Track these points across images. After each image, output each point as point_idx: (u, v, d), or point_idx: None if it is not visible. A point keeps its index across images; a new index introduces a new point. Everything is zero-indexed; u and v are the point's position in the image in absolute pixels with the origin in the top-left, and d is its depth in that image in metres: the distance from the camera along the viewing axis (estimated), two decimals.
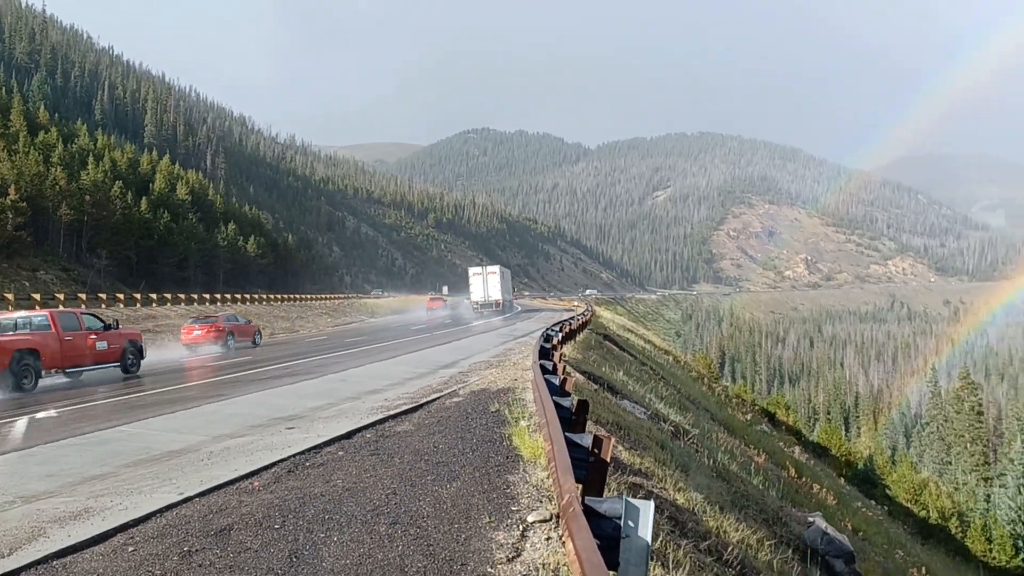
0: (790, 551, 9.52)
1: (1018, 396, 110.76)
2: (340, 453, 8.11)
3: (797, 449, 30.60)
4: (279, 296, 72.23)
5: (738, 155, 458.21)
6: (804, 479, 20.20)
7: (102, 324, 20.25)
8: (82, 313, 20.76)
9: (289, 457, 7.95)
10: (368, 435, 9.10)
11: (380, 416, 10.41)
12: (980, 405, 72.22)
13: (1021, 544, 37.94)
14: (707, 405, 26.78)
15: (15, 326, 18.71)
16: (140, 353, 21.59)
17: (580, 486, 5.05)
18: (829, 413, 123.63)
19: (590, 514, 3.86)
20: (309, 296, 79.83)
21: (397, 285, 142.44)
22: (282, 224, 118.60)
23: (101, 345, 19.65)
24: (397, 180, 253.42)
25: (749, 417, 33.18)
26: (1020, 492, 38.91)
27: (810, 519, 11.50)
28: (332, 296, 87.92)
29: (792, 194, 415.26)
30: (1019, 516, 38.24)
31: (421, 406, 11.28)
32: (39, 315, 19.58)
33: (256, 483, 6.96)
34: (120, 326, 21.75)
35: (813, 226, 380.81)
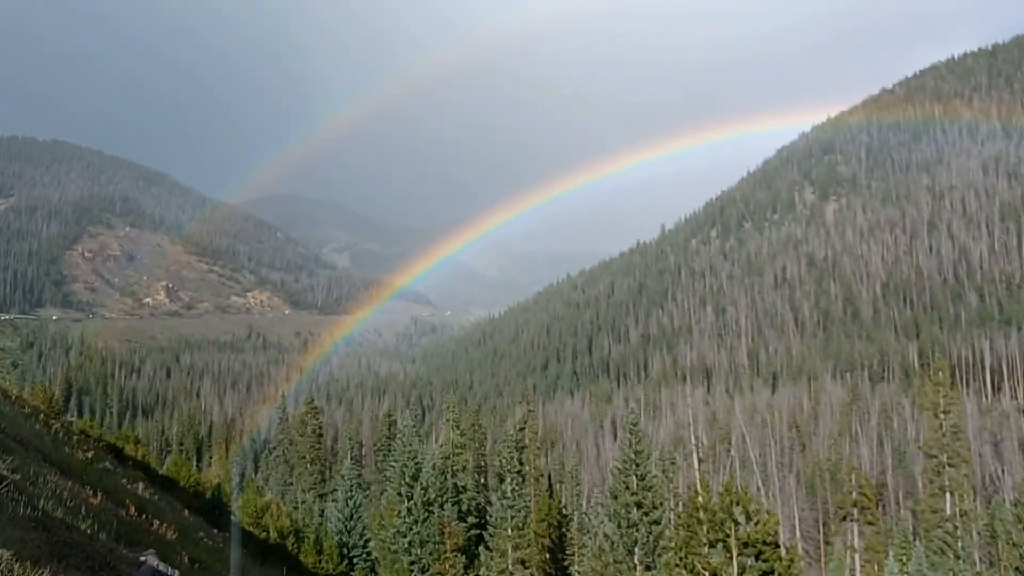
0: None
1: (352, 418, 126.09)
2: None
3: (142, 485, 29.25)
4: None
5: (98, 171, 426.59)
6: (145, 516, 19.28)
7: None
8: None
9: None
10: None
11: None
12: (321, 428, 79.80)
13: (346, 551, 42.78)
14: (40, 445, 23.72)
15: None
16: None
17: None
18: (182, 444, 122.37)
19: None
20: None
21: None
22: None
23: None
24: None
25: (91, 455, 30.49)
26: (347, 504, 43.96)
27: (142, 559, 10.94)
28: None
29: (156, 219, 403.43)
30: (345, 526, 43.16)
31: None
32: None
33: None
34: None
35: (176, 254, 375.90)
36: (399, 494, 41.98)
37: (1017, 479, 72.41)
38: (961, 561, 43.25)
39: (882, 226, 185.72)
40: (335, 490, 57.08)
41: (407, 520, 38.44)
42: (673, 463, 65.60)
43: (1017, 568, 43.33)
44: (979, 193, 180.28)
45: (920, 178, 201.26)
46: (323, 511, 55.91)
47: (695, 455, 47.35)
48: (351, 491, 45.33)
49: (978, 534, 50.32)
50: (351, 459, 57.31)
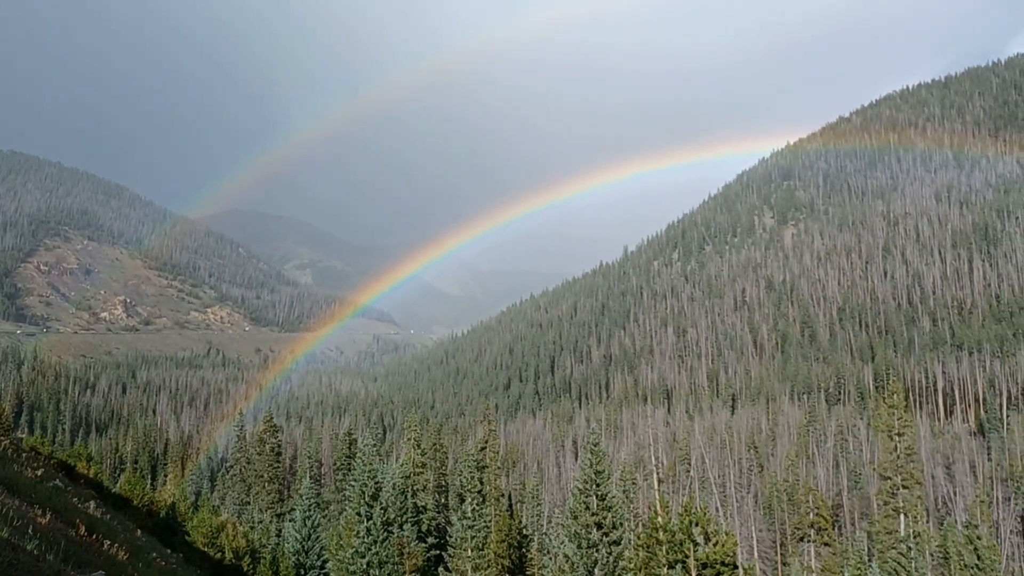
0: None
1: (312, 436, 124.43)
2: None
3: (93, 504, 28.57)
4: None
5: (56, 183, 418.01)
6: (96, 536, 18.83)
7: None
8: None
9: None
10: None
11: None
12: (280, 446, 78.66)
13: (303, 572, 42.14)
14: None
15: None
16: None
17: None
18: (137, 462, 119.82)
19: None
20: None
21: None
22: None
23: None
24: None
25: (41, 473, 29.72)
26: (305, 524, 43.34)
27: None
28: None
29: (115, 233, 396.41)
30: (303, 546, 42.55)
31: None
32: None
33: None
34: None
35: (135, 268, 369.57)
36: (358, 514, 41.48)
37: (968, 501, 73.86)
38: None
39: (839, 251, 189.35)
40: (293, 509, 56.25)
41: (366, 540, 37.99)
42: (634, 483, 65.75)
43: None
44: (932, 220, 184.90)
45: (875, 205, 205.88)
46: (280, 531, 55.06)
47: (655, 475, 47.56)
48: (309, 511, 44.70)
49: (931, 555, 51.18)
50: (310, 478, 56.54)
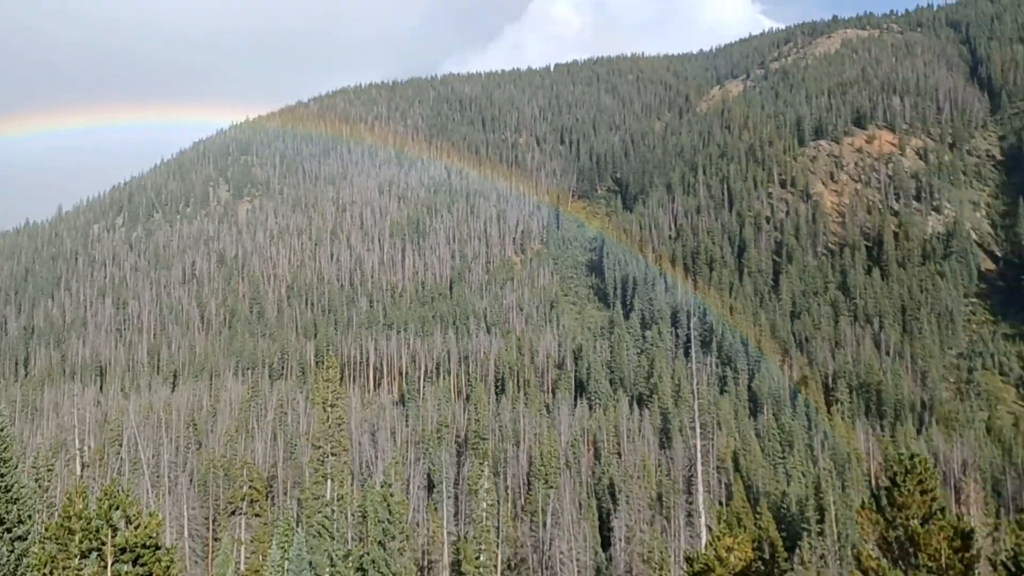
0: None
1: None
2: None
3: None
4: None
5: None
6: None
7: None
8: None
9: None
10: None
11: None
12: None
13: None
14: None
15: None
16: None
17: None
18: None
19: None
20: None
21: None
22: None
23: None
24: None
25: None
26: None
27: None
28: None
29: None
30: None
31: None
32: None
33: None
34: None
35: None
36: None
37: (387, 463, 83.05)
38: (335, 541, 47.58)
39: (291, 231, 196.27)
40: None
41: None
42: (50, 471, 58.62)
43: (381, 542, 49.47)
44: (375, 210, 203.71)
45: (327, 190, 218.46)
46: None
47: (79, 460, 43.06)
48: None
49: (352, 515, 56.05)
50: None
